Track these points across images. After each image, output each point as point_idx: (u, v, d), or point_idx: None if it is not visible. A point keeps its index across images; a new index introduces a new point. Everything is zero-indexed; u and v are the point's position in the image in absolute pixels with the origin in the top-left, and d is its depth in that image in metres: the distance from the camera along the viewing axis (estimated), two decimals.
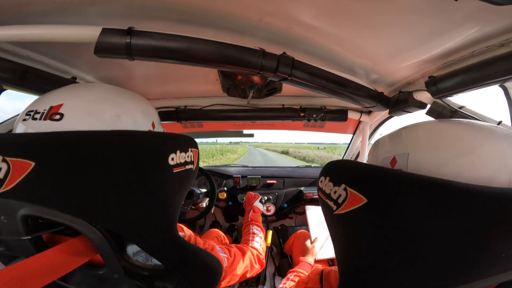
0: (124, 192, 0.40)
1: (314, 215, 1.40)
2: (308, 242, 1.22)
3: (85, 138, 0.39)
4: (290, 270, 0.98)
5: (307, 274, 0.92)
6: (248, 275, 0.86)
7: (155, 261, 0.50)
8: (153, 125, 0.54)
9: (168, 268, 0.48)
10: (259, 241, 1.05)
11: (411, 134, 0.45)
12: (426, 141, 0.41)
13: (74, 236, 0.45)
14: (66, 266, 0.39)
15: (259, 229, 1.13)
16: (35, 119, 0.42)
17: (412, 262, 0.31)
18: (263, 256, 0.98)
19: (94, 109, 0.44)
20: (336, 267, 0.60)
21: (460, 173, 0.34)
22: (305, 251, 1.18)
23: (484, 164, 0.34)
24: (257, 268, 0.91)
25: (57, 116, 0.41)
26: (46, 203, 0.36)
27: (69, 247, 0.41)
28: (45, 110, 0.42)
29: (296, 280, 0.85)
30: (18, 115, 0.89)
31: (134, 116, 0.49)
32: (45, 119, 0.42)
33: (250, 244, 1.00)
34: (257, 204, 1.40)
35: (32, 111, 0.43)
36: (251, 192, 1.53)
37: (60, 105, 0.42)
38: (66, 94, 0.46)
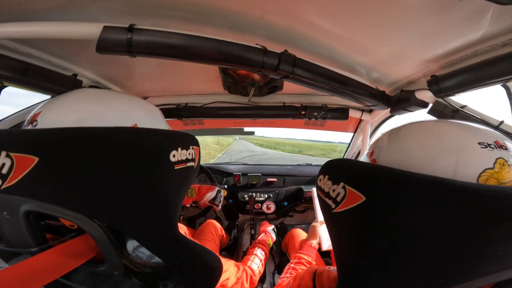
0: (125, 188, 0.41)
1: None
2: (315, 224, 1.18)
3: (87, 135, 0.39)
4: (293, 255, 0.99)
5: (310, 260, 0.94)
6: None
7: (155, 259, 0.50)
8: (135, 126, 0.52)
9: (168, 265, 0.48)
10: (258, 263, 1.08)
11: (390, 132, 0.48)
12: (396, 137, 0.46)
13: (75, 232, 0.45)
14: (65, 266, 0.40)
15: (263, 253, 1.16)
16: (25, 126, 0.46)
17: (411, 260, 0.32)
18: (256, 278, 1.01)
19: (60, 114, 0.47)
20: (330, 267, 0.60)
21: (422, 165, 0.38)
22: (310, 233, 1.15)
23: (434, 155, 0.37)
24: (246, 287, 0.93)
25: (34, 123, 0.45)
26: (48, 199, 0.36)
27: (69, 248, 0.42)
28: (30, 117, 0.47)
29: (295, 271, 0.85)
30: (20, 111, 0.89)
31: (104, 119, 0.48)
32: (27, 126, 0.46)
33: (248, 264, 1.03)
34: (270, 231, 1.43)
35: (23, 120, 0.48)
36: (266, 222, 1.59)
37: (38, 113, 0.46)
38: (49, 102, 0.49)
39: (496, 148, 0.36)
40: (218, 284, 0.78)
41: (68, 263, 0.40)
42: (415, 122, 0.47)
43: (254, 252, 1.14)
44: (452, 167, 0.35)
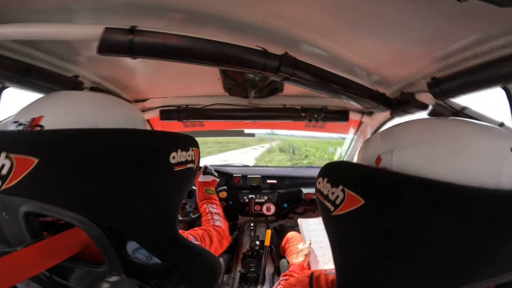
0: (125, 190, 0.41)
1: (308, 227, 1.37)
2: (300, 245, 1.22)
3: (88, 136, 0.39)
4: (282, 274, 0.97)
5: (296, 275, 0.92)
6: (221, 250, 0.88)
7: (155, 259, 0.50)
8: None
9: (168, 266, 0.48)
10: (219, 218, 1.02)
11: (397, 132, 0.43)
12: (411, 139, 0.39)
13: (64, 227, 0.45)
14: (47, 261, 0.39)
15: (214, 205, 1.08)
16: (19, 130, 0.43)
17: (410, 264, 0.31)
18: (226, 232, 0.96)
19: (72, 120, 0.44)
20: (327, 270, 0.60)
21: (443, 170, 0.33)
22: (298, 252, 1.18)
23: (471, 162, 0.32)
24: (225, 244, 0.91)
25: (38, 128, 0.42)
26: (48, 200, 0.36)
27: (52, 243, 0.41)
28: (27, 122, 0.43)
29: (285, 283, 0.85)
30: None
31: (114, 124, 0.48)
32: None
33: (211, 223, 0.99)
34: (202, 178, 1.25)
35: (16, 122, 0.44)
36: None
37: (41, 117, 0.43)
38: (46, 105, 0.46)
39: None
40: None
41: (51, 258, 0.40)
42: (426, 119, 0.43)
43: (207, 210, 1.05)
44: (494, 177, 0.31)
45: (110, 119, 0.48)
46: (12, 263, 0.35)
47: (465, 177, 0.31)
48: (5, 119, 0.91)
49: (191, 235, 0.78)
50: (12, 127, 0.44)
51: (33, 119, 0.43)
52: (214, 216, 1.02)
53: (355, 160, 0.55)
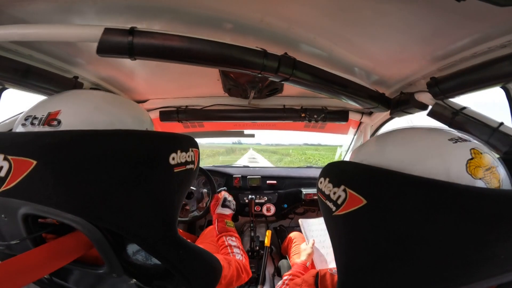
0: (124, 191, 0.40)
1: (309, 227, 1.36)
2: (303, 245, 1.21)
3: (86, 137, 0.39)
4: (285, 273, 0.96)
5: (300, 275, 0.91)
6: (235, 284, 0.78)
7: (154, 261, 0.50)
8: None
9: (168, 267, 0.48)
10: (239, 251, 0.97)
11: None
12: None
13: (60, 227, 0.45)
14: (55, 263, 0.39)
15: (233, 238, 1.04)
16: (33, 124, 0.43)
17: (411, 263, 0.31)
18: (247, 267, 0.90)
19: (89, 117, 0.45)
20: (332, 269, 0.60)
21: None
22: (300, 251, 1.18)
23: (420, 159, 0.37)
24: (244, 278, 0.84)
25: (55, 123, 0.42)
26: (47, 202, 0.36)
27: (59, 245, 0.41)
28: (43, 116, 0.43)
29: (290, 283, 0.84)
30: (19, 113, 0.89)
31: (127, 123, 0.49)
32: (43, 125, 0.42)
33: (231, 257, 0.91)
34: (220, 210, 1.20)
35: (30, 116, 0.44)
36: (216, 196, 1.29)
37: (58, 112, 0.43)
38: (63, 100, 0.47)
39: (461, 141, 0.37)
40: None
41: (58, 260, 0.40)
42: (392, 130, 0.48)
43: (226, 243, 1.00)
44: (442, 166, 0.35)
45: (126, 116, 0.50)
46: (18, 266, 0.35)
47: (420, 172, 0.35)
48: (4, 120, 0.91)
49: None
50: (22, 125, 0.44)
51: (50, 113, 0.43)
52: (234, 249, 0.97)
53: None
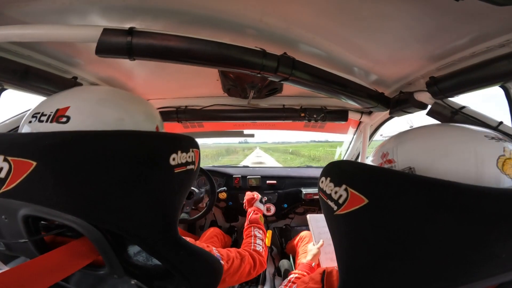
0: (124, 192, 0.40)
1: (317, 223, 1.37)
2: (310, 245, 1.21)
3: (86, 138, 0.39)
4: (291, 271, 0.97)
5: (307, 275, 0.91)
6: (244, 279, 0.84)
7: (155, 261, 0.50)
8: (157, 128, 0.54)
9: (168, 268, 0.48)
10: (261, 243, 1.04)
11: (402, 133, 0.49)
12: (413, 135, 0.46)
13: (75, 237, 0.45)
14: (68, 268, 0.39)
15: (261, 231, 1.13)
16: (42, 121, 0.42)
17: (413, 262, 0.31)
18: (264, 258, 0.97)
19: (99, 112, 0.44)
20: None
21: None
22: (307, 251, 1.18)
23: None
24: (253, 274, 0.88)
25: (64, 119, 0.41)
26: (47, 203, 0.36)
27: (72, 249, 0.41)
28: (51, 112, 0.42)
29: (297, 281, 0.84)
30: (18, 114, 0.89)
31: (137, 120, 0.49)
32: (51, 122, 0.41)
33: (252, 247, 0.99)
34: (258, 204, 1.35)
35: (38, 113, 0.43)
36: (250, 193, 1.44)
37: (67, 108, 0.42)
38: (72, 96, 0.46)
39: (497, 139, 0.39)
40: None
41: (72, 265, 0.40)
42: (426, 126, 0.49)
43: (252, 233, 1.10)
44: (473, 159, 0.36)
45: (137, 111, 0.49)
46: (40, 267, 0.34)
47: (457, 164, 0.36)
48: (3, 121, 0.90)
49: (218, 252, 0.75)
50: (29, 122, 0.43)
51: (58, 109, 0.42)
52: (257, 240, 1.04)
53: (359, 160, 0.56)
